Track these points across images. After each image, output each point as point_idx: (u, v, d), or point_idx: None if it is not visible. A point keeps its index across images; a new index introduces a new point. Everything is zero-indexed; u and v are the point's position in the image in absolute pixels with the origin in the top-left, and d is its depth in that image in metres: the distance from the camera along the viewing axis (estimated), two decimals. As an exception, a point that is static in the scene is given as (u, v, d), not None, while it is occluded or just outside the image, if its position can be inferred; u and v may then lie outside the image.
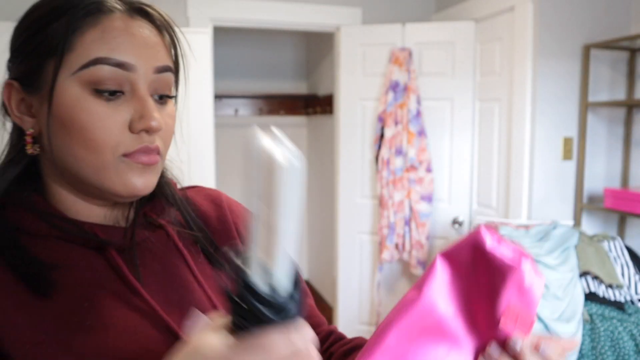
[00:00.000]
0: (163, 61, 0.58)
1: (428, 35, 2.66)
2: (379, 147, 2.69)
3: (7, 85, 0.57)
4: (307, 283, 4.24)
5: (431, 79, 2.67)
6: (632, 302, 1.70)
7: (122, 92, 0.55)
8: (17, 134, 0.60)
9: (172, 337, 0.56)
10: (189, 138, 2.35)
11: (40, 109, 0.56)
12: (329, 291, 3.59)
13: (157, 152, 0.58)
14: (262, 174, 0.36)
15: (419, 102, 2.62)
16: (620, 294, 1.70)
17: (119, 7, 0.56)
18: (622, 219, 2.29)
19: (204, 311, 0.59)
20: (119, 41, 0.54)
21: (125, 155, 0.55)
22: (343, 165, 2.87)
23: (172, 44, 0.61)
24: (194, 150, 2.37)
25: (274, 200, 0.36)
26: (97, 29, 0.53)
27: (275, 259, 0.37)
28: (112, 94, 0.54)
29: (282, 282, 0.38)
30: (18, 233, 0.56)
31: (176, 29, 0.61)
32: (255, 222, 0.38)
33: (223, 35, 3.74)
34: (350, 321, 2.97)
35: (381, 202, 2.68)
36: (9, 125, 0.61)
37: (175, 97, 0.63)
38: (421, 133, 2.62)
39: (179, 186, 0.72)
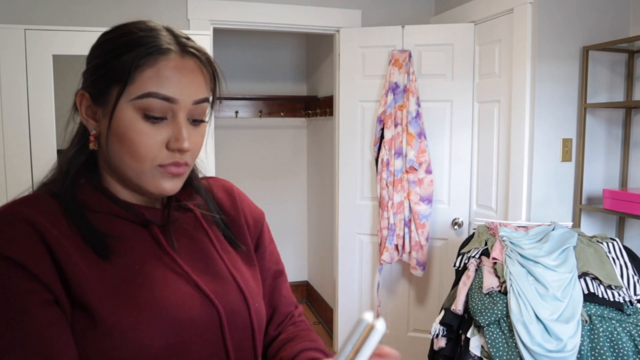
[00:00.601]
0: (201, 95, 0.73)
1: (427, 37, 2.67)
2: (379, 149, 2.69)
3: (80, 94, 0.73)
4: (307, 284, 4.24)
5: (430, 80, 2.68)
6: (631, 302, 1.71)
7: (165, 118, 0.71)
8: (83, 129, 0.76)
9: (201, 293, 0.74)
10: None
11: (103, 119, 0.72)
12: (329, 292, 3.59)
13: (186, 164, 0.73)
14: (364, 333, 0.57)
15: (418, 103, 2.62)
16: (619, 294, 1.70)
17: (173, 48, 0.71)
18: (621, 220, 2.30)
19: (222, 276, 0.77)
20: (169, 80, 0.69)
21: (160, 165, 0.71)
22: (343, 166, 2.88)
23: (213, 77, 0.76)
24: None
25: (362, 350, 0.56)
26: (154, 68, 0.69)
27: None
28: (157, 119, 0.70)
29: None
30: (84, 209, 0.72)
31: (216, 65, 0.77)
32: None
33: (223, 37, 3.74)
34: (349, 322, 2.97)
35: (381, 204, 2.69)
36: (77, 119, 0.77)
37: (209, 120, 0.78)
38: (421, 134, 2.63)
39: (200, 175, 0.88)
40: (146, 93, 0.68)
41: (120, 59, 0.69)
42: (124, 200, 0.75)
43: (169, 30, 0.73)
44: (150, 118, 0.69)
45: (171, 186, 0.73)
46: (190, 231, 0.80)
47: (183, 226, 0.80)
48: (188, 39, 0.74)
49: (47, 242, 0.65)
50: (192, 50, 0.72)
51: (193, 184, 0.84)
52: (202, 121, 0.75)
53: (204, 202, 0.84)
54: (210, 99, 0.76)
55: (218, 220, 0.84)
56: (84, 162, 0.75)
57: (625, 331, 1.63)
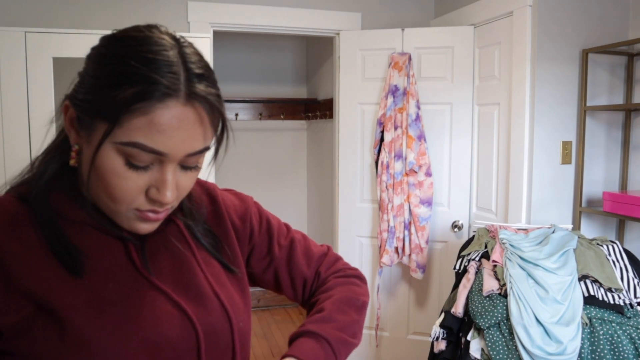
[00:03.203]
0: (198, 147, 0.64)
1: (427, 40, 2.68)
2: (379, 151, 2.69)
3: (66, 105, 0.65)
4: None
5: (430, 83, 2.69)
6: (631, 305, 1.70)
7: (151, 164, 0.63)
8: (65, 136, 0.68)
9: (181, 312, 0.68)
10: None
11: (86, 147, 0.63)
12: (329, 295, 3.58)
13: (166, 210, 0.67)
14: None
15: (418, 106, 2.63)
16: (620, 297, 1.70)
17: (175, 94, 0.59)
18: (621, 223, 2.30)
19: (205, 294, 0.72)
20: (161, 133, 0.60)
21: (137, 209, 0.65)
22: (343, 169, 2.88)
23: (218, 120, 0.66)
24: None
25: None
26: (146, 117, 0.59)
27: None
28: (141, 167, 0.62)
29: None
30: (58, 218, 0.65)
31: (224, 111, 0.66)
32: None
33: (223, 39, 3.75)
34: (350, 325, 2.97)
35: (381, 206, 2.69)
36: (61, 118, 0.69)
37: (211, 163, 0.71)
38: (420, 137, 2.63)
39: None
40: (132, 142, 0.59)
41: (111, 93, 0.59)
42: (101, 212, 0.68)
43: (184, 61, 0.61)
44: (134, 166, 0.61)
45: (147, 227, 0.67)
46: (171, 245, 0.74)
47: (164, 239, 0.74)
48: (201, 76, 0.62)
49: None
50: (200, 93, 0.61)
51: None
52: (197, 167, 0.68)
53: (187, 216, 0.78)
54: (213, 144, 0.68)
55: (202, 233, 0.78)
56: (60, 167, 0.68)
57: (626, 334, 1.62)
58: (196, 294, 0.71)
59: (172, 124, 0.60)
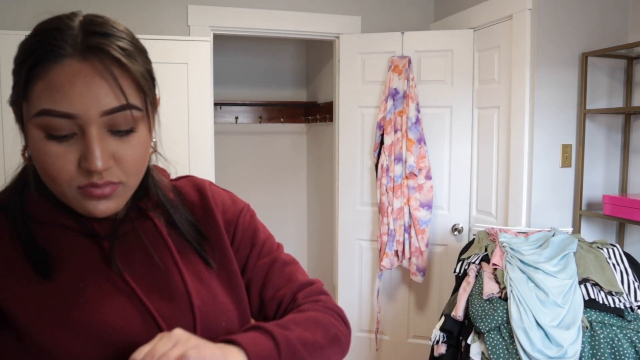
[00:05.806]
0: (112, 103, 0.60)
1: (427, 44, 2.68)
2: (379, 154, 2.70)
3: (14, 110, 0.65)
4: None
5: (430, 86, 2.69)
6: (632, 309, 1.70)
7: (74, 133, 0.60)
8: None
9: (149, 316, 0.66)
10: (189, 145, 2.36)
11: (24, 135, 0.63)
12: (329, 298, 3.58)
13: (110, 184, 0.62)
14: None
15: (418, 109, 2.63)
16: (620, 300, 1.70)
17: (68, 51, 0.58)
18: (621, 226, 2.30)
19: (177, 295, 0.69)
20: (62, 92, 0.58)
21: (79, 187, 0.61)
22: (343, 172, 2.88)
23: (139, 76, 0.62)
24: (193, 157, 2.38)
25: None
26: (44, 81, 0.58)
27: None
28: (63, 137, 0.59)
29: None
30: (32, 221, 0.66)
31: (135, 64, 0.61)
32: None
33: (223, 42, 3.76)
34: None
35: (381, 209, 2.69)
36: None
37: (156, 124, 0.68)
38: (420, 140, 2.63)
39: (172, 176, 0.80)
40: (40, 111, 0.58)
41: (18, 71, 0.60)
42: (72, 210, 0.66)
43: (84, 26, 0.60)
44: (55, 137, 0.59)
45: (102, 208, 0.63)
46: (146, 243, 0.71)
47: (139, 238, 0.71)
48: (105, 34, 0.60)
49: None
50: (96, 45, 0.59)
51: (155, 191, 0.75)
52: (132, 131, 0.62)
53: (166, 211, 0.75)
54: (142, 103, 0.63)
55: (185, 227, 0.75)
56: (35, 171, 0.66)
57: (626, 337, 1.62)
58: (170, 295, 0.69)
59: (70, 81, 0.58)
